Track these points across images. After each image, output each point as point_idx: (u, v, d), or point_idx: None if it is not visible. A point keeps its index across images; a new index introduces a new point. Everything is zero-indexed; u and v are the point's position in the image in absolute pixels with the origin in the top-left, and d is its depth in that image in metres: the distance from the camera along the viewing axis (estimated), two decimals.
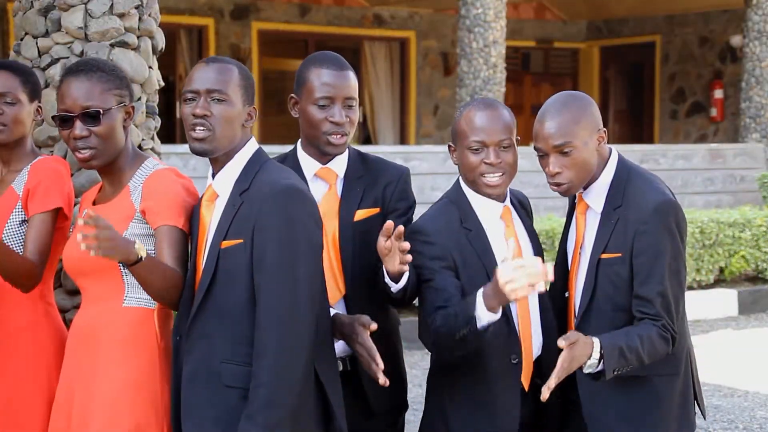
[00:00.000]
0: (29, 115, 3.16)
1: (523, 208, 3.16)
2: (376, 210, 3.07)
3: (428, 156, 11.15)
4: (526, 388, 2.97)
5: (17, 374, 3.01)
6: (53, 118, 2.88)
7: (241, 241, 2.63)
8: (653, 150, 12.70)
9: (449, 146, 3.06)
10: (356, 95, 3.05)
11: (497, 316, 2.72)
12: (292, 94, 3.08)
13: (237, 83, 2.73)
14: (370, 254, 2.96)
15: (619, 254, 2.91)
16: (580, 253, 3.02)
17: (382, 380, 2.76)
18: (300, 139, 3.12)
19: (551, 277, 2.71)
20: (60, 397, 2.86)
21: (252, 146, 2.77)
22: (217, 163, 2.75)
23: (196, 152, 2.72)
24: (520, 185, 9.25)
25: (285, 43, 15.43)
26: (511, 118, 3.00)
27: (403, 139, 16.31)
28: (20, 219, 3.07)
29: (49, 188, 3.04)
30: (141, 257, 2.62)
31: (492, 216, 3.01)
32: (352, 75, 3.05)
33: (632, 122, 17.88)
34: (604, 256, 2.93)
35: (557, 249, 3.18)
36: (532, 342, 2.98)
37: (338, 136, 3.01)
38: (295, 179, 2.71)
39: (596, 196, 2.99)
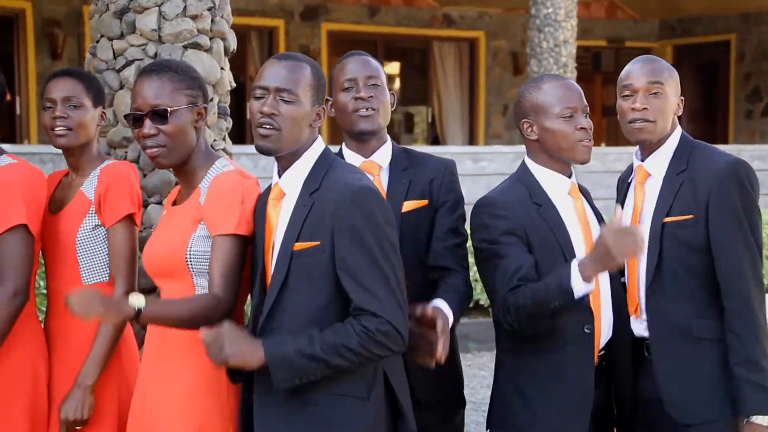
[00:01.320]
0: (93, 120, 3.21)
1: (586, 194, 3.21)
2: (424, 202, 3.12)
3: (498, 156, 11.08)
4: (594, 361, 3.00)
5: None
6: (125, 117, 2.92)
7: (318, 243, 2.60)
8: (728, 150, 12.43)
9: (523, 122, 3.08)
10: (381, 77, 3.13)
11: (592, 285, 2.78)
12: (327, 97, 3.14)
13: (308, 83, 2.70)
14: (418, 244, 3.07)
15: (690, 216, 2.99)
16: (639, 223, 3.07)
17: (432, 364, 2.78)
18: (344, 141, 3.20)
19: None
20: (136, 396, 2.90)
21: (319, 145, 2.75)
22: (284, 161, 2.73)
23: (261, 150, 2.71)
24: (592, 186, 9.14)
25: (354, 43, 15.45)
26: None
27: (472, 140, 16.25)
28: (93, 224, 3.13)
29: (121, 195, 3.09)
30: (139, 309, 2.61)
31: (560, 192, 3.06)
32: (373, 60, 3.17)
33: (706, 122, 17.56)
34: (668, 219, 3.01)
35: None
36: (602, 321, 3.02)
37: (365, 110, 3.08)
38: (367, 180, 2.70)
39: (658, 163, 3.09)
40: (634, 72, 3.09)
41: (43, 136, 12.76)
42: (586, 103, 3.06)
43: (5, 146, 3.23)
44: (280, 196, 2.73)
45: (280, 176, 2.75)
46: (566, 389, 2.96)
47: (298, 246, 2.62)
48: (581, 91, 3.09)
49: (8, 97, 14.11)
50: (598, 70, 17.58)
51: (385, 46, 15.54)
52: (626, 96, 3.09)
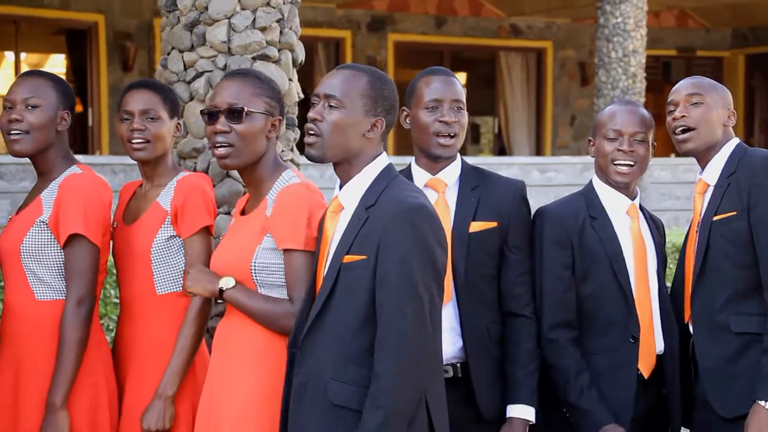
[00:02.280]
0: (169, 132, 3.25)
1: (655, 224, 3.29)
2: (494, 224, 3.10)
3: (565, 167, 11.00)
4: (646, 375, 3.10)
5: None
6: (201, 113, 2.94)
7: (365, 257, 2.59)
8: None
9: (589, 140, 3.31)
10: (463, 99, 3.16)
11: None
12: (404, 107, 3.15)
13: (360, 91, 2.69)
14: (483, 264, 3.08)
15: (734, 212, 3.08)
16: (696, 231, 3.17)
17: None
18: (414, 156, 3.19)
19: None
20: (203, 403, 2.92)
21: (382, 161, 2.73)
22: (343, 174, 2.73)
23: (308, 158, 2.73)
24: (660, 197, 9.04)
25: (421, 54, 15.49)
26: (649, 118, 3.23)
27: (539, 151, 16.15)
28: (168, 235, 3.16)
29: (198, 207, 3.14)
30: (221, 288, 2.82)
31: (619, 209, 3.19)
32: (458, 81, 3.20)
33: None
34: (716, 217, 3.10)
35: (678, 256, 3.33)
36: (654, 336, 3.11)
37: (447, 137, 3.09)
38: (424, 198, 2.66)
39: (714, 171, 3.19)
40: (677, 88, 3.27)
41: (115, 146, 12.99)
42: (640, 130, 3.16)
43: (78, 157, 3.28)
44: (338, 209, 2.74)
45: (341, 189, 2.75)
46: (606, 395, 3.05)
47: (347, 259, 2.61)
48: (645, 118, 3.20)
49: (80, 108, 14.25)
50: (668, 80, 17.34)
51: (452, 57, 15.53)
52: (671, 111, 3.23)
